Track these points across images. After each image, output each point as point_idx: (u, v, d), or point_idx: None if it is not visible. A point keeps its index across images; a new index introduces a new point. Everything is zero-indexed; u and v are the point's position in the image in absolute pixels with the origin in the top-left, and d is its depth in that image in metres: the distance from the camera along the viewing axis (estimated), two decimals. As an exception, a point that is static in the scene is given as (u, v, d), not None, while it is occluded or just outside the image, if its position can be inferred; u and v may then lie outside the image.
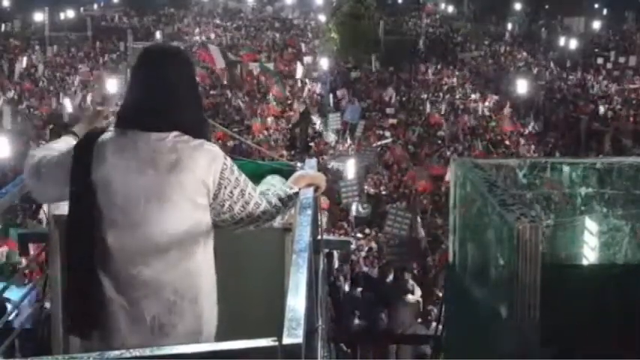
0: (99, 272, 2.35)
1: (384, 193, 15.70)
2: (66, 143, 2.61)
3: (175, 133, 2.37)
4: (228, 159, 2.44)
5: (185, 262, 2.36)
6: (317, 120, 21.02)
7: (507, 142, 19.30)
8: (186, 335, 2.35)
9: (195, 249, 2.38)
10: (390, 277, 10.05)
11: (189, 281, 2.37)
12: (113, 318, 2.35)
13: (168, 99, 2.40)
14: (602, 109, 23.32)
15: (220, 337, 2.44)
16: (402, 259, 10.96)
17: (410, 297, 9.05)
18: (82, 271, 2.38)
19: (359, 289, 9.48)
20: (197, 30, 41.66)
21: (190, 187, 2.34)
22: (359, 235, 13.07)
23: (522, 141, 19.70)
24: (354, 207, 13.57)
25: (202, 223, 2.39)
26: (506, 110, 22.08)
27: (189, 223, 2.35)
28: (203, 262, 2.41)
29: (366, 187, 15.13)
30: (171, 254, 2.34)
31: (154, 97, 2.40)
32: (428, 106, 22.71)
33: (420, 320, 8.58)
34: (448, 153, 17.45)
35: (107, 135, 2.42)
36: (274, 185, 2.61)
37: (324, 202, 10.83)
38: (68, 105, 20.48)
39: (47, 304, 3.13)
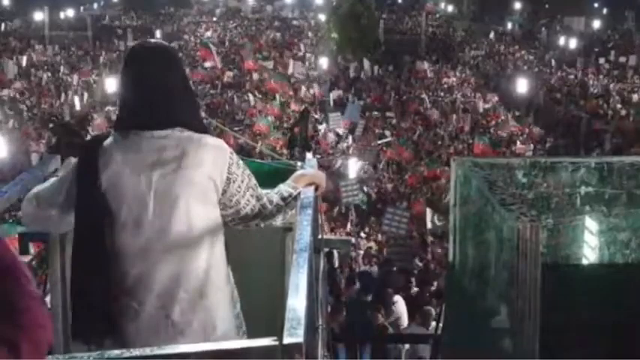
0: (109, 276, 2.30)
1: (382, 192, 15.71)
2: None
3: (177, 128, 2.36)
4: (234, 153, 2.44)
5: (197, 258, 2.34)
6: (318, 118, 20.99)
7: (506, 142, 19.29)
8: (200, 332, 2.32)
9: (206, 244, 2.36)
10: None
11: (202, 277, 2.34)
12: (125, 321, 2.30)
13: (161, 95, 2.37)
14: (602, 109, 23.30)
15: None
16: (401, 258, 10.97)
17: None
18: (91, 275, 2.32)
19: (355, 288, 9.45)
20: (196, 28, 41.63)
21: (199, 183, 2.33)
22: (362, 234, 13.08)
23: (522, 140, 19.68)
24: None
25: (212, 219, 2.38)
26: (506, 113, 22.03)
27: (199, 220, 2.34)
28: (214, 257, 2.39)
29: (365, 188, 15.12)
30: (183, 251, 2.32)
31: (147, 94, 2.38)
32: (424, 105, 22.68)
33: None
34: (451, 149, 17.44)
35: (111, 138, 2.40)
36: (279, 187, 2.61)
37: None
38: (77, 103, 20.48)
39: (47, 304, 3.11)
